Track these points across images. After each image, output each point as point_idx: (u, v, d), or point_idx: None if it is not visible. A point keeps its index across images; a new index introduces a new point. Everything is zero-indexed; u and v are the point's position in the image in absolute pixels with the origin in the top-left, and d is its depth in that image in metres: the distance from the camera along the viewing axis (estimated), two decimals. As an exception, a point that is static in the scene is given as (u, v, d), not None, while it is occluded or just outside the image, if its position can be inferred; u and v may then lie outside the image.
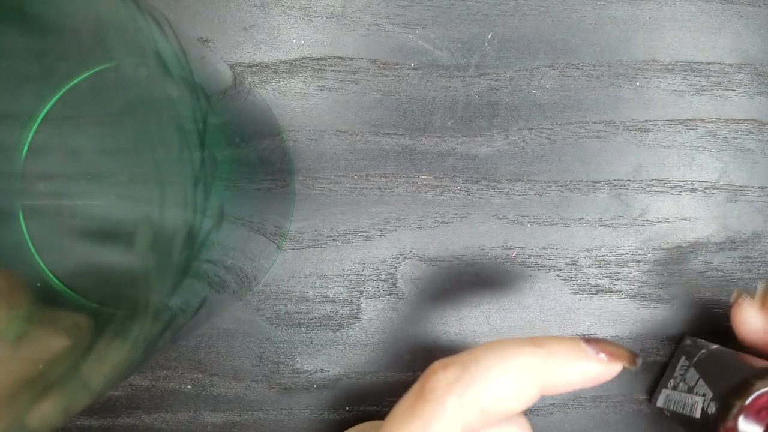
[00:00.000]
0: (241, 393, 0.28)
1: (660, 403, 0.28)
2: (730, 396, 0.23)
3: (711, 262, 0.28)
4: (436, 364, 0.16)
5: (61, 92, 0.18)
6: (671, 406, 0.27)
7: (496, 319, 0.28)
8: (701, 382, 0.25)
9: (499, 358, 0.16)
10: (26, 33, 0.16)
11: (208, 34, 0.27)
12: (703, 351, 0.27)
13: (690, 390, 0.26)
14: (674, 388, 0.27)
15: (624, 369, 0.17)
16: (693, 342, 0.27)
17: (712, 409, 0.23)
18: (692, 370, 0.26)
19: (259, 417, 0.28)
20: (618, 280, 0.28)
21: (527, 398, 0.16)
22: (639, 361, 0.17)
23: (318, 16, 0.27)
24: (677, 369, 0.27)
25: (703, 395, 0.24)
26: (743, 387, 0.22)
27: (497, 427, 0.18)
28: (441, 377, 0.16)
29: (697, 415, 0.24)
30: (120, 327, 0.13)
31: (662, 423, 0.29)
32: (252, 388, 0.28)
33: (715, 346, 0.27)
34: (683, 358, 0.27)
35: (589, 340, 0.16)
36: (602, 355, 0.16)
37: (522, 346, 0.16)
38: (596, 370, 0.16)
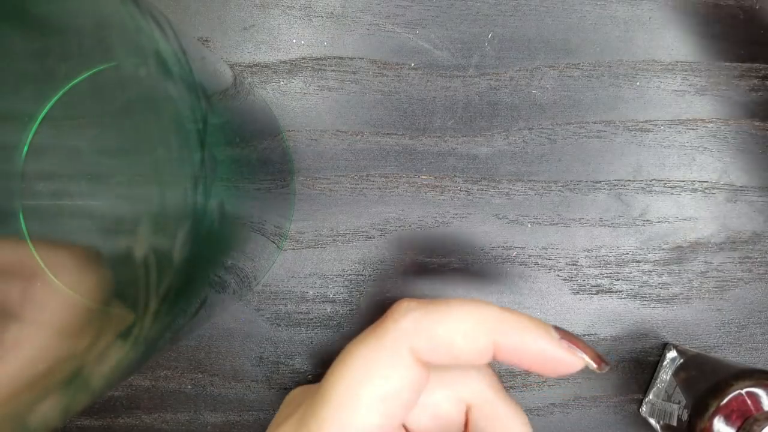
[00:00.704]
0: (241, 393, 0.28)
1: (645, 412, 0.28)
2: (706, 397, 0.23)
3: (711, 262, 0.28)
4: (406, 298, 0.18)
5: (61, 92, 0.18)
6: (654, 416, 0.27)
7: (496, 319, 0.28)
8: (678, 389, 0.25)
9: (464, 302, 0.17)
10: (27, 33, 0.16)
11: (208, 34, 0.27)
12: (682, 358, 0.27)
13: (669, 398, 0.26)
14: (656, 396, 0.27)
15: (589, 369, 0.17)
16: (674, 349, 0.27)
17: (684, 416, 0.23)
18: (671, 378, 0.26)
19: (259, 417, 0.28)
20: (618, 280, 0.28)
21: (478, 345, 0.16)
22: (605, 367, 0.17)
23: (318, 16, 0.27)
24: (659, 377, 0.28)
25: (679, 403, 0.24)
26: (721, 387, 0.22)
27: (458, 371, 0.18)
28: (405, 304, 0.17)
29: (675, 422, 0.24)
30: (120, 327, 0.13)
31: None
32: (252, 388, 0.28)
33: (695, 352, 0.27)
34: (664, 365, 0.27)
35: (558, 328, 0.17)
36: (566, 344, 0.17)
37: (493, 304, 0.17)
38: (553, 352, 0.17)
